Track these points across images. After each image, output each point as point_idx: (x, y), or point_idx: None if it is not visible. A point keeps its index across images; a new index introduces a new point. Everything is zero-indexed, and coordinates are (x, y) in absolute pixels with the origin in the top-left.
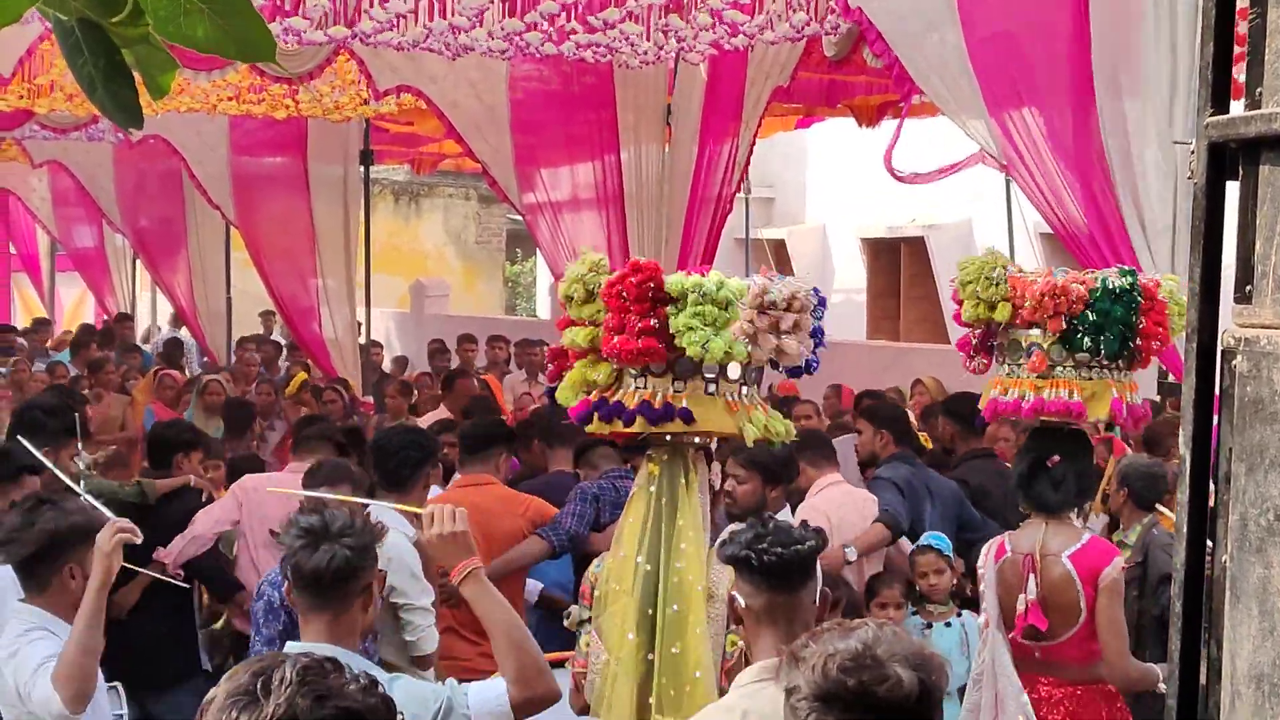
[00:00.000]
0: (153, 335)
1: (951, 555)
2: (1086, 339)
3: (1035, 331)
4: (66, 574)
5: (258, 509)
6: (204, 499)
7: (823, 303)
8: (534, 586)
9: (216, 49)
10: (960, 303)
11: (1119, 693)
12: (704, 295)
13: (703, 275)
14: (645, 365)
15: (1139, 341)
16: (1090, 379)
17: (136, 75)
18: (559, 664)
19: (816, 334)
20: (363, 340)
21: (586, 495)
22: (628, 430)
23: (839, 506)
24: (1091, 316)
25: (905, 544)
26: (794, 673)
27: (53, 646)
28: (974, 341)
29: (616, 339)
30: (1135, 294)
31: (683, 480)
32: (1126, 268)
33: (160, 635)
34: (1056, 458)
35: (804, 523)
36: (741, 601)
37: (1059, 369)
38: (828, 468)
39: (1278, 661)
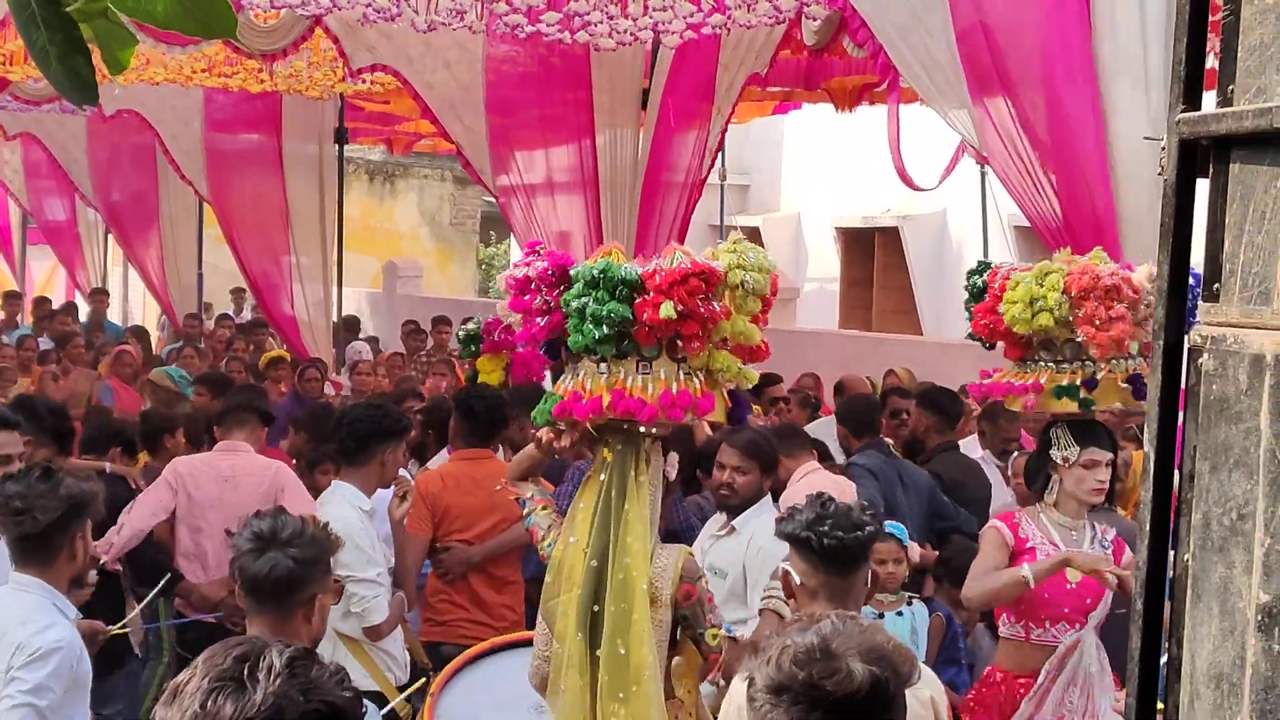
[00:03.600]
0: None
1: (908, 544)
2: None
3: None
4: (78, 543)
5: (195, 493)
6: (133, 487)
7: None
8: None
9: (176, 25)
10: (1009, 320)
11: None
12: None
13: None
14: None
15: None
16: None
17: (95, 51)
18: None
19: None
20: (336, 319)
21: (579, 475)
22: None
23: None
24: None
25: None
26: (753, 665)
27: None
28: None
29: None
30: None
31: (633, 472)
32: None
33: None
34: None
35: (863, 505)
36: (797, 579)
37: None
38: (804, 456)
39: (1238, 661)
